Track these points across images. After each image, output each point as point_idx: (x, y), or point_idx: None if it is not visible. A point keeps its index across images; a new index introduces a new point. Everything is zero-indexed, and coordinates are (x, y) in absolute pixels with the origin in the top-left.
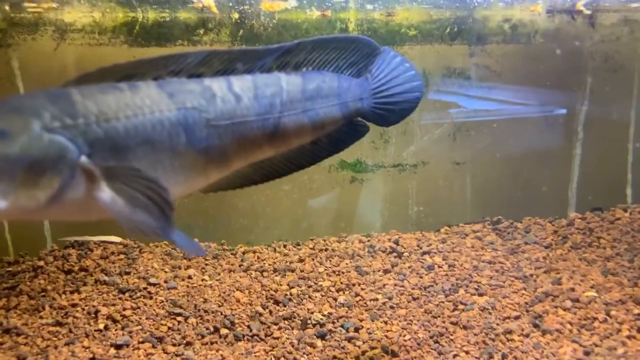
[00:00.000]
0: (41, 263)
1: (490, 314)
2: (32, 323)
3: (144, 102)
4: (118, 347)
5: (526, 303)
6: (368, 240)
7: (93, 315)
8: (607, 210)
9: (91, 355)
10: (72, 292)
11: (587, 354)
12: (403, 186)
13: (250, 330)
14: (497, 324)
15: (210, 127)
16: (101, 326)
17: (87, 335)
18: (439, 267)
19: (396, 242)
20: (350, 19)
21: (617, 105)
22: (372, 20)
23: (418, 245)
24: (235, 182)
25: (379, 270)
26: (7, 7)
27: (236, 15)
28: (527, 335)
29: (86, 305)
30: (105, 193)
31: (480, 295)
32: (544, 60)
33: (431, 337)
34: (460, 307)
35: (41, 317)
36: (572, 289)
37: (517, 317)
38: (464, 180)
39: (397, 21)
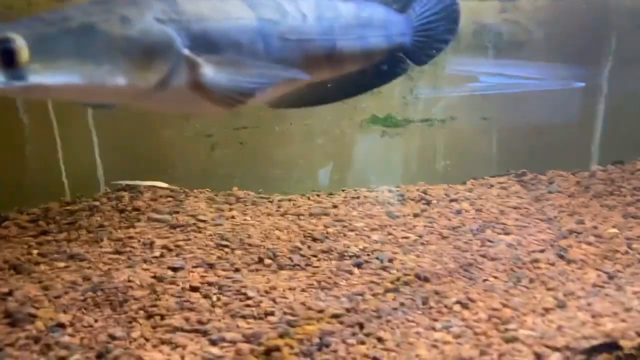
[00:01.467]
0: (96, 203)
1: (516, 249)
2: (93, 252)
3: (231, 10)
4: (175, 269)
5: (551, 239)
6: (397, 190)
7: (148, 246)
8: (628, 163)
9: (152, 275)
10: (127, 227)
11: (611, 278)
12: (431, 141)
13: (292, 261)
14: (524, 256)
15: (283, 40)
16: (157, 254)
17: (145, 261)
18: (467, 211)
19: (424, 192)
20: None
21: None
22: None
23: (446, 194)
24: (295, 100)
25: (409, 215)
26: None
27: None
28: (552, 264)
29: (141, 238)
30: (208, 74)
31: (507, 234)
32: (572, 15)
33: (461, 267)
34: (488, 243)
35: (101, 247)
36: (595, 227)
37: (542, 251)
38: (490, 135)
39: None
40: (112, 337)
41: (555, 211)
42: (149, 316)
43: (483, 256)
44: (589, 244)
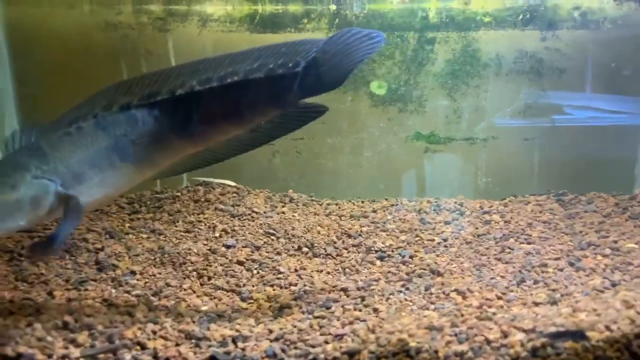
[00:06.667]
0: (178, 194)
1: (533, 256)
2: (170, 229)
3: (87, 140)
4: (227, 246)
5: (568, 250)
6: (436, 202)
7: (212, 228)
8: None
9: (209, 248)
10: (198, 214)
11: (614, 285)
12: (473, 158)
13: (325, 251)
14: (536, 262)
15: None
16: (217, 235)
17: (207, 239)
18: (495, 222)
19: (461, 205)
20: (431, 8)
21: None
22: (450, 9)
23: (480, 207)
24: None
25: (440, 222)
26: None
27: (333, 7)
28: (561, 270)
29: (207, 222)
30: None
31: (529, 243)
32: (611, 44)
33: (474, 267)
34: (507, 250)
35: (176, 226)
36: (615, 242)
37: (556, 259)
38: (532, 156)
39: (473, 9)
40: (168, 285)
41: (585, 227)
42: (200, 276)
43: (498, 260)
44: (605, 255)
